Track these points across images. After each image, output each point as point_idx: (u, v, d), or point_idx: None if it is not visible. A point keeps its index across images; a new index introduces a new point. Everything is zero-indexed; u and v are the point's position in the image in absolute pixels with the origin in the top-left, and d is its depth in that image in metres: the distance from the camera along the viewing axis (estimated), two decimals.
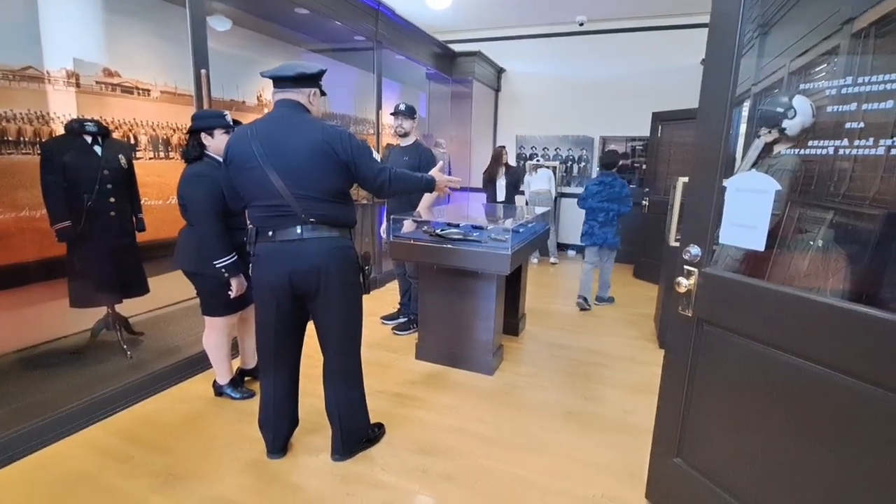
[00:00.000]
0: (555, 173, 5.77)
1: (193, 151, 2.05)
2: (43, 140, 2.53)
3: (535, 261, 5.84)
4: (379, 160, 1.82)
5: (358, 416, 1.93)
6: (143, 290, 2.73)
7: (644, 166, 5.75)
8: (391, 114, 3.17)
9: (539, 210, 4.18)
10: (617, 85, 5.81)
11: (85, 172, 2.40)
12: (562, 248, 6.35)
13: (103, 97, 2.91)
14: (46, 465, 1.86)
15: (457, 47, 5.66)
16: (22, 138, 2.50)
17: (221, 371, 2.34)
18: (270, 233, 1.70)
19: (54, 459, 1.90)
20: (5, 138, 2.45)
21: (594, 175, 6.03)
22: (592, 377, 2.76)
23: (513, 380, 2.69)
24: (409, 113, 3.12)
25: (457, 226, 2.89)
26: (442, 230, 2.75)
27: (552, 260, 5.82)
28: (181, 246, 2.12)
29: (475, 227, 2.99)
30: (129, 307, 2.80)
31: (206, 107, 2.53)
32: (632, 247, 5.17)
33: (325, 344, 1.84)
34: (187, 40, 2.42)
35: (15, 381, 2.33)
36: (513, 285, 3.20)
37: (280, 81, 1.68)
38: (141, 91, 3.10)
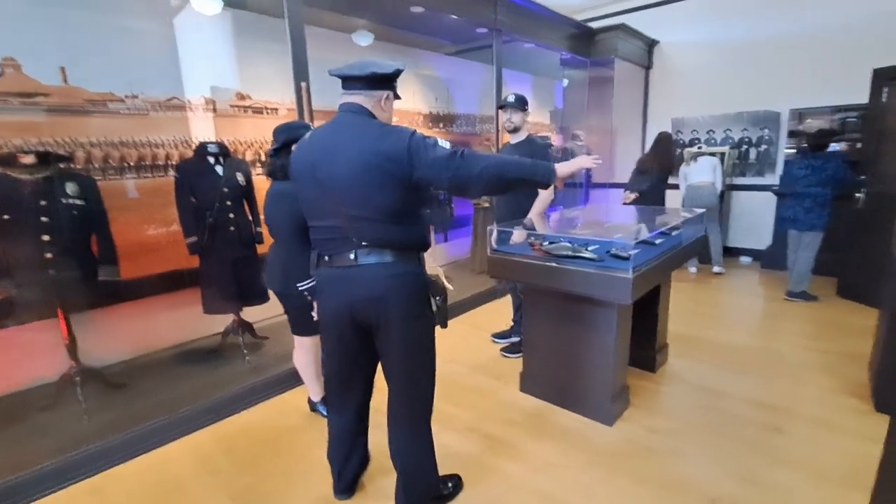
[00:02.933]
0: (722, 161, 4.66)
1: (277, 169, 2.01)
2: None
3: (694, 270, 4.82)
4: (448, 147, 1.48)
5: (423, 470, 1.65)
6: (262, 298, 2.89)
7: (859, 145, 4.26)
8: (498, 107, 2.81)
9: (697, 209, 3.35)
10: (815, 39, 4.42)
11: (208, 191, 2.60)
12: (731, 253, 5.15)
13: (236, 119, 3.18)
14: (155, 467, 2.02)
15: (595, 25, 4.97)
16: (168, 162, 2.84)
17: (313, 389, 2.31)
18: (327, 257, 1.53)
19: (163, 462, 2.05)
20: (156, 162, 2.82)
21: (781, 159, 4.73)
22: (760, 446, 2.02)
23: (639, 436, 2.11)
24: (519, 105, 2.71)
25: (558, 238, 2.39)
26: (549, 242, 2.30)
27: (716, 269, 4.72)
28: (269, 265, 2.12)
29: (592, 241, 2.44)
30: (258, 312, 2.99)
31: (307, 120, 2.53)
32: (837, 254, 3.87)
33: (389, 384, 1.60)
34: (287, 53, 2.44)
35: (158, 377, 2.66)
36: (649, 306, 2.57)
37: (349, 81, 1.46)
38: (269, 111, 3.32)
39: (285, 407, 2.46)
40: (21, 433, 2.14)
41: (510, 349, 3.00)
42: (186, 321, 2.95)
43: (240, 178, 2.70)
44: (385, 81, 1.45)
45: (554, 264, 2.11)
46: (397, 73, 1.46)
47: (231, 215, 2.67)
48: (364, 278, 1.46)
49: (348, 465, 1.77)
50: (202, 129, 3.01)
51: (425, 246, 1.58)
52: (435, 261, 4.04)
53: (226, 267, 2.70)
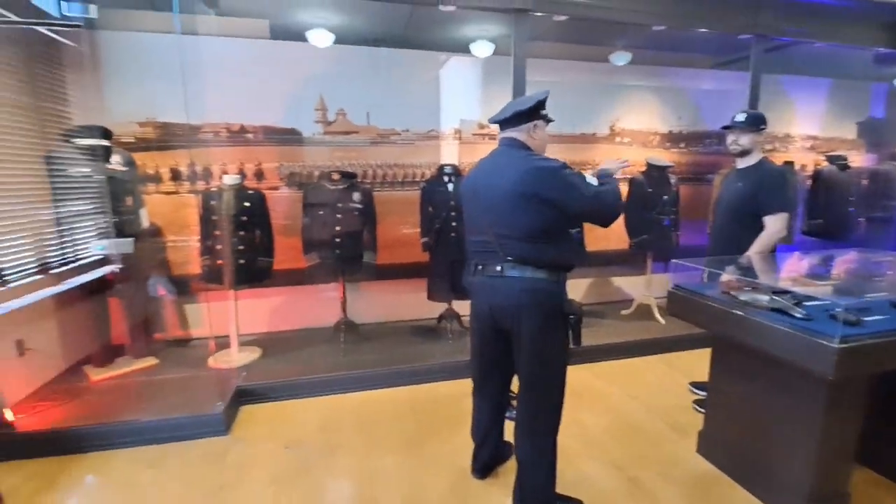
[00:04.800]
0: None
1: None
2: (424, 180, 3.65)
3: None
4: (594, 183, 1.64)
5: (538, 482, 1.75)
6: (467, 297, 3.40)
7: None
8: (722, 128, 2.50)
9: None
10: None
11: (440, 203, 3.27)
12: None
13: (475, 145, 3.81)
14: (365, 401, 2.76)
15: None
16: (419, 179, 3.69)
17: None
18: (480, 266, 1.82)
19: (371, 400, 2.78)
20: (414, 179, 3.70)
21: None
22: None
23: None
24: (751, 123, 2.36)
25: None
26: (752, 289, 1.95)
27: None
28: None
29: (815, 297, 1.92)
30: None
31: None
32: None
33: (519, 388, 1.79)
34: (509, 83, 2.86)
35: (389, 339, 3.50)
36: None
37: (502, 123, 1.77)
38: None
39: (466, 385, 2.89)
40: (311, 354, 3.25)
41: (704, 404, 2.62)
42: (416, 303, 3.75)
43: None
44: (527, 116, 1.67)
45: (740, 313, 1.82)
46: (538, 104, 1.66)
47: (454, 223, 3.27)
48: (505, 288, 1.70)
49: (481, 449, 2.03)
50: (448, 154, 3.75)
51: (566, 265, 1.70)
52: (650, 290, 3.80)
53: (445, 264, 3.32)
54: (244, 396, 2.71)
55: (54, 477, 2.09)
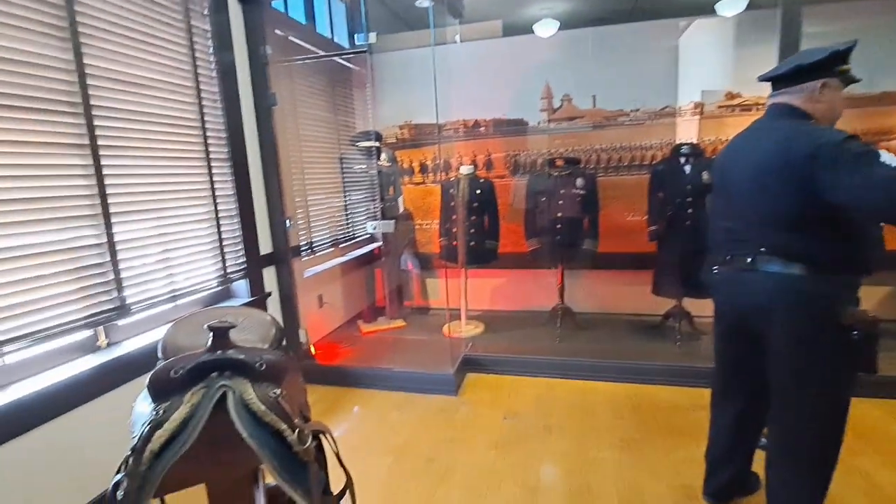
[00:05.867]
0: None
1: None
2: (654, 163, 3.31)
3: None
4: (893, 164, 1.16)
5: None
6: (703, 294, 2.99)
7: None
8: None
9: None
10: None
11: (674, 187, 2.94)
12: None
13: (722, 120, 3.26)
14: (580, 390, 2.73)
15: None
16: (648, 162, 3.38)
17: None
18: (727, 258, 1.59)
19: (586, 390, 2.74)
20: (642, 163, 3.42)
21: None
22: None
23: None
24: None
25: None
26: None
27: None
28: None
29: None
30: (702, 306, 3.11)
31: None
32: None
33: (771, 408, 1.50)
34: (774, 42, 2.35)
35: (607, 331, 3.37)
36: None
37: (776, 82, 1.46)
38: (759, 107, 3.17)
39: (695, 397, 2.57)
40: (528, 335, 3.41)
41: None
42: (638, 296, 3.49)
43: (704, 176, 2.86)
44: (813, 72, 1.32)
45: None
46: (830, 57, 1.28)
47: (689, 210, 2.90)
48: (755, 284, 1.43)
49: (717, 472, 1.75)
50: (686, 132, 3.32)
51: (847, 264, 1.33)
52: None
53: (675, 256, 2.99)
54: (469, 365, 3.04)
55: (335, 401, 2.77)
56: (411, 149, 3.88)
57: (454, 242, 3.43)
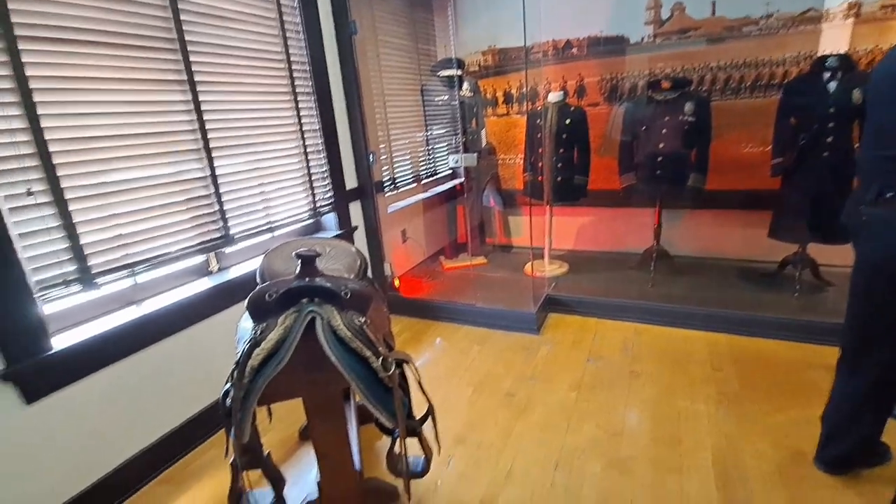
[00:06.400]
0: None
1: None
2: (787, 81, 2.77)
3: None
4: None
5: None
6: (838, 240, 2.56)
7: None
8: None
9: None
10: None
11: (811, 110, 2.45)
12: None
13: (885, 24, 2.59)
14: (674, 338, 2.55)
15: None
16: (779, 81, 2.83)
17: None
18: (888, 194, 1.30)
19: (681, 338, 2.55)
20: (771, 82, 2.88)
21: None
22: None
23: None
24: None
25: None
26: None
27: None
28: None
29: None
30: (830, 253, 2.69)
31: None
32: None
33: None
34: None
35: (707, 276, 3.07)
36: None
37: None
38: None
39: (809, 354, 2.28)
40: (616, 278, 3.22)
41: None
42: (748, 240, 3.11)
43: (856, 95, 2.34)
44: None
45: None
46: None
47: (829, 139, 2.43)
48: None
49: (837, 438, 1.55)
50: (833, 42, 2.71)
51: None
52: None
53: (804, 194, 2.56)
54: (552, 304, 2.96)
55: (418, 332, 2.87)
56: (495, 77, 3.63)
57: (539, 178, 3.24)
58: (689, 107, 2.79)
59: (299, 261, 1.14)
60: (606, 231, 3.64)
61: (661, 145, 2.87)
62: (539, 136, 3.17)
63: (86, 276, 1.60)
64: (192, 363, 1.96)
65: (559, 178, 3.18)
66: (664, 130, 2.85)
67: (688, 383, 2.15)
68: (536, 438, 1.87)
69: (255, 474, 1.60)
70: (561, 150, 3.14)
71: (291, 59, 2.40)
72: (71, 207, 1.55)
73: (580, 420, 1.96)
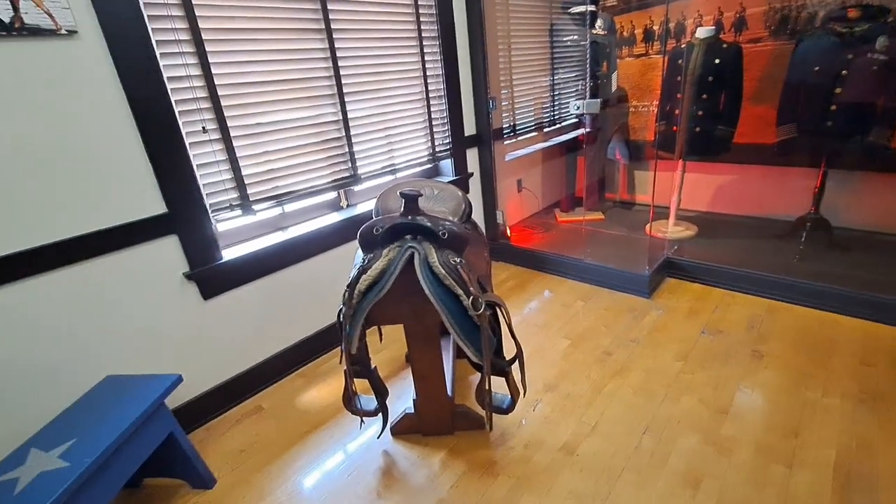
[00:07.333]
0: None
1: None
2: None
3: None
4: None
5: None
6: None
7: None
8: None
9: None
10: None
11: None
12: None
13: None
14: (815, 321, 2.22)
15: None
16: None
17: None
18: None
19: (823, 323, 2.22)
20: None
21: None
22: None
23: None
24: None
25: None
26: None
27: None
28: None
29: None
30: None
31: None
32: None
33: None
34: None
35: (878, 257, 2.54)
36: None
37: None
38: None
39: None
40: (754, 247, 2.84)
41: None
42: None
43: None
44: None
45: None
46: None
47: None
48: None
49: None
50: None
51: None
52: None
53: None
54: (671, 269, 2.75)
55: (525, 281, 2.91)
56: (636, 11, 3.24)
57: (674, 128, 2.90)
58: (881, 41, 2.22)
59: (403, 199, 1.24)
60: (749, 192, 3.17)
61: (837, 90, 2.36)
62: (679, 79, 2.81)
63: (245, 203, 1.93)
64: (325, 284, 2.29)
65: (697, 129, 2.82)
66: (844, 72, 2.32)
67: (824, 374, 1.89)
68: (628, 401, 1.85)
69: (364, 384, 1.86)
70: (704, 96, 2.75)
71: (419, 1, 2.44)
72: (235, 144, 1.86)
73: (680, 391, 1.87)
